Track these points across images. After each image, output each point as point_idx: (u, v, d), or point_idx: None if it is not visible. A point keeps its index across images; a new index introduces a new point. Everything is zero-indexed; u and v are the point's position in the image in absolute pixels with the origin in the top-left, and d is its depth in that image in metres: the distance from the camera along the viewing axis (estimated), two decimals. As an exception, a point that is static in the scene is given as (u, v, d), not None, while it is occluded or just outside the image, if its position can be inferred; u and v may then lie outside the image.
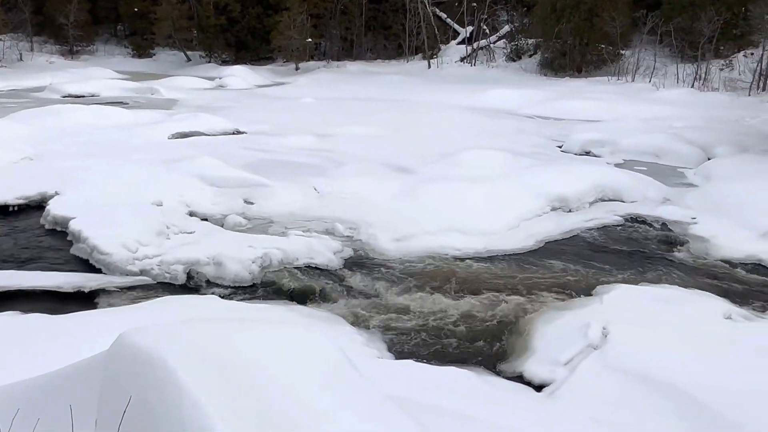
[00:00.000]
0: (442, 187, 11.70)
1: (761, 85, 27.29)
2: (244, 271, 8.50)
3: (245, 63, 39.72)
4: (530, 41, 38.47)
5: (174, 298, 7.49)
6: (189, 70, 39.40)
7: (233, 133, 17.91)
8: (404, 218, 10.44)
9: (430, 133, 17.92)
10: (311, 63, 39.78)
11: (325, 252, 9.24)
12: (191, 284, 8.45)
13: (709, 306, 7.57)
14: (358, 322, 7.43)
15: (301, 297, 8.20)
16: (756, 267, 9.47)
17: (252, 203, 11.16)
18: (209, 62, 42.53)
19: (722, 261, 9.64)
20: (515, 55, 38.95)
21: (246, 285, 8.40)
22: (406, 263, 9.22)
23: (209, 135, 17.31)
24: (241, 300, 7.95)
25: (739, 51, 32.05)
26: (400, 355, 6.68)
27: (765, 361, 6.15)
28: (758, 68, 27.78)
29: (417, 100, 25.45)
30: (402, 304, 7.89)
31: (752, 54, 30.91)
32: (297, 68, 38.67)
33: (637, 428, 5.32)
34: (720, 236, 10.21)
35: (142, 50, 46.49)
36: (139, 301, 7.60)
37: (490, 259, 9.54)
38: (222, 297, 7.89)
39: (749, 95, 26.52)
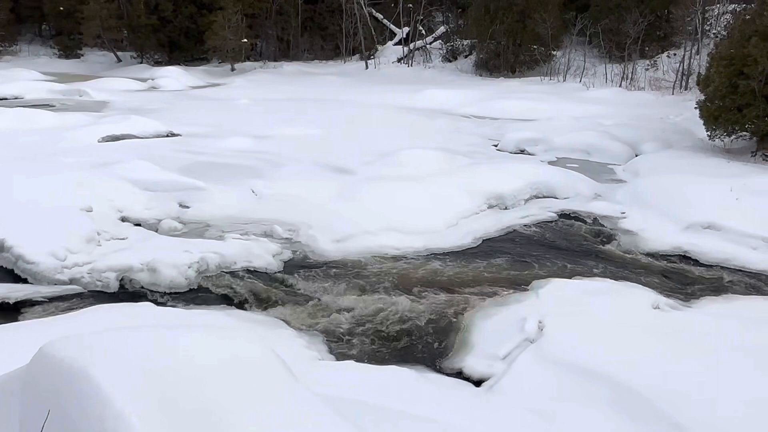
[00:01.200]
0: (381, 186, 11.72)
1: (683, 84, 28.55)
2: (180, 276, 8.29)
3: (179, 64, 38.83)
4: (465, 42, 39.07)
5: (106, 307, 7.22)
6: (120, 72, 38.20)
7: (167, 136, 17.47)
8: (344, 219, 10.43)
9: (369, 133, 17.96)
10: (247, 64, 39.23)
11: (264, 255, 9.12)
12: (125, 292, 8.18)
13: (639, 297, 7.83)
14: (298, 324, 7.37)
15: (239, 301, 8.06)
16: (680, 258, 9.88)
17: (187, 207, 10.90)
18: (141, 63, 41.36)
19: (650, 253, 10.00)
20: (451, 56, 39.48)
21: (182, 291, 8.21)
22: (347, 264, 9.20)
23: (142, 138, 16.83)
24: (178, 306, 7.73)
25: (662, 52, 33.43)
26: (341, 356, 6.67)
27: (691, 348, 6.42)
28: (680, 68, 29.06)
29: (355, 100, 25.47)
30: (343, 304, 7.86)
31: (675, 54, 32.31)
32: (233, 69, 38.07)
33: (575, 418, 5.46)
34: (647, 229, 10.60)
35: (69, 51, 44.76)
36: (69, 312, 7.29)
37: (430, 257, 9.62)
38: (157, 304, 7.67)
39: (673, 94, 27.71)
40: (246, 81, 32.93)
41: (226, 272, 8.69)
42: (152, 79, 32.76)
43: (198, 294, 8.21)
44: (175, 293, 8.15)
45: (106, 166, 12.33)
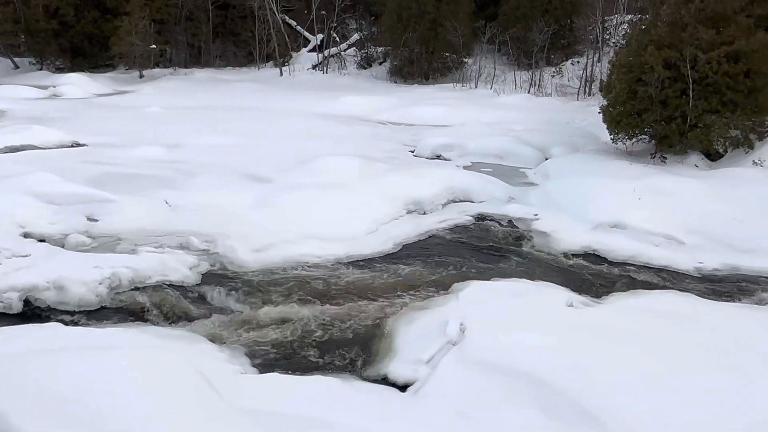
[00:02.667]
0: (300, 194, 11.64)
1: (587, 90, 29.95)
2: (90, 293, 7.91)
3: (82, 70, 37.03)
4: (379, 49, 39.40)
5: (8, 330, 6.77)
6: (17, 78, 36.02)
7: (72, 146, 16.64)
8: (262, 228, 10.27)
9: (285, 140, 17.77)
10: (156, 70, 37.97)
11: (180, 268, 8.84)
12: (29, 312, 7.71)
13: (554, 296, 8.10)
14: (218, 338, 7.18)
15: (155, 317, 7.77)
16: (590, 256, 10.29)
17: (96, 220, 10.42)
18: (41, 69, 39.18)
19: (562, 253, 10.37)
20: (366, 63, 39.72)
21: (93, 308, 7.83)
22: (267, 274, 9.07)
23: (44, 148, 15.95)
24: (89, 325, 7.35)
25: (567, 59, 34.94)
26: (264, 368, 6.55)
27: (605, 343, 6.71)
28: (584, 75, 30.48)
29: (270, 107, 25.10)
30: (264, 316, 7.73)
31: (578, 62, 33.86)
32: (141, 76, 36.75)
33: (497, 417, 5.59)
34: (559, 230, 10.97)
35: (-41, 57, 41.82)
36: (-33, 336, 6.76)
37: (351, 264, 9.63)
38: (66, 324, 7.27)
39: (577, 100, 29.01)
40: (156, 88, 31.86)
41: (141, 287, 8.36)
42: (54, 87, 31.10)
43: (110, 311, 7.86)
44: (86, 311, 7.77)
45: (4, 179, 11.61)
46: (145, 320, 7.67)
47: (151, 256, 9.02)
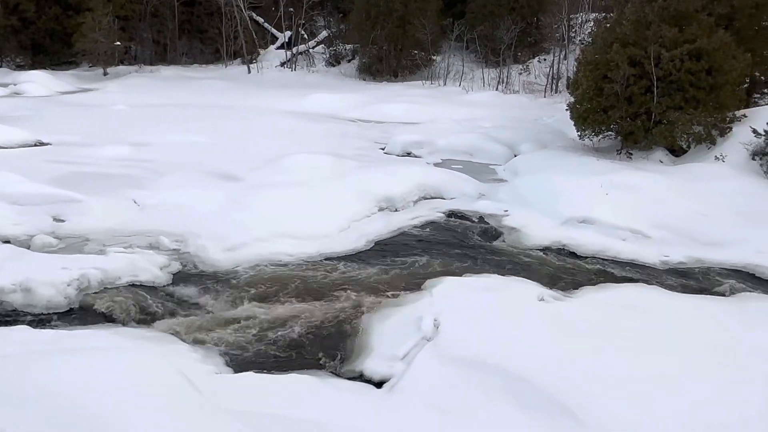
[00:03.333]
0: (271, 193, 11.54)
1: (554, 87, 30.32)
2: (58, 295, 7.75)
3: (44, 68, 36.18)
4: (348, 47, 39.31)
5: (-26, 334, 6.58)
6: (-25, 76, 35.05)
7: (35, 145, 16.24)
8: (234, 227, 10.17)
9: (255, 138, 17.58)
10: (121, 68, 37.27)
11: (151, 268, 8.73)
12: (-5, 316, 7.51)
13: (525, 290, 8.18)
14: (192, 338, 7.10)
15: (126, 318, 7.65)
16: (560, 251, 10.41)
17: (63, 221, 10.22)
18: (1, 67, 38.22)
19: (533, 248, 10.45)
20: (334, 60, 39.58)
21: (62, 311, 7.68)
22: (239, 273, 8.98)
23: (5, 148, 15.54)
24: (58, 328, 7.21)
25: (534, 57, 35.31)
26: (239, 367, 6.50)
27: (575, 336, 6.84)
28: (551, 72, 30.84)
29: (239, 105, 24.84)
30: (238, 315, 7.66)
31: (545, 60, 34.25)
32: (105, 73, 36.04)
33: (472, 410, 5.65)
34: (529, 225, 11.08)
35: None
36: (-70, 341, 6.56)
37: (324, 262, 9.57)
38: (34, 326, 7.10)
39: (545, 96, 29.35)
40: (121, 86, 31.29)
41: (111, 288, 8.23)
42: (14, 84, 30.31)
43: (80, 313, 7.70)
44: (55, 313, 7.61)
45: (-35, 180, 11.26)
46: (116, 321, 7.53)
47: (121, 257, 8.89)
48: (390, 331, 7.08)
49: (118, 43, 35.28)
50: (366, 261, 9.68)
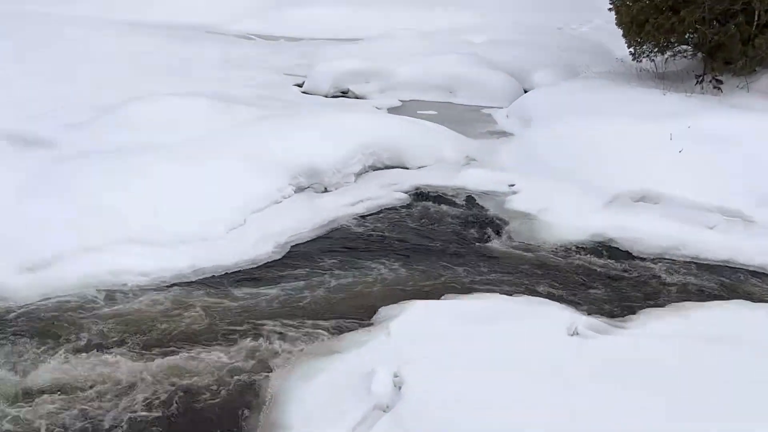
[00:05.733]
0: (107, 166, 8.45)
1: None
2: None
3: None
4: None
5: None
6: None
7: None
8: (38, 228, 7.28)
9: (74, 70, 13.41)
10: None
11: None
12: None
13: (544, 318, 6.05)
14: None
15: None
16: (603, 249, 7.76)
17: None
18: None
19: (558, 246, 7.79)
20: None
21: None
22: (49, 309, 6.48)
23: None
24: None
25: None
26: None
27: (629, 402, 4.71)
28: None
29: (49, 12, 19.13)
30: (48, 379, 5.58)
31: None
32: None
33: None
34: (551, 209, 8.42)
35: None
36: None
37: (202, 284, 6.93)
38: None
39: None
40: None
41: None
42: None
43: None
44: None
45: None
46: None
47: None
48: (319, 398, 5.31)
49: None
50: (274, 279, 7.14)
